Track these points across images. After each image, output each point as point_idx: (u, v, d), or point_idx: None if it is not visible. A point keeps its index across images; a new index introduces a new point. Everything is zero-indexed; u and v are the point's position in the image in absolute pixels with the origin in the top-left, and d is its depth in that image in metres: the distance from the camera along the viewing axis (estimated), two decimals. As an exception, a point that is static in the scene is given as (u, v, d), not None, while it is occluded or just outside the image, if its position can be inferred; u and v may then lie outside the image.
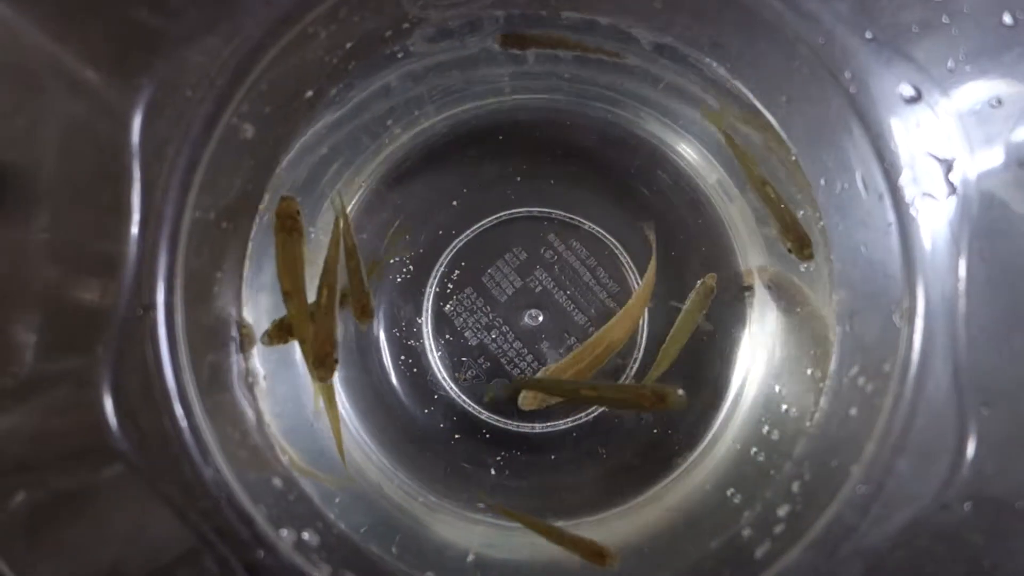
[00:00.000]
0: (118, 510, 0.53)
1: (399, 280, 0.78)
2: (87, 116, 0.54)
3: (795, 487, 0.60)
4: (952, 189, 0.54)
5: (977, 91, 0.54)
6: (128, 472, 0.51)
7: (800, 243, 0.67)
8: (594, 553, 0.65)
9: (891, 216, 0.57)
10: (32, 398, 0.53)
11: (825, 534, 0.53)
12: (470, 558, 0.68)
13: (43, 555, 0.51)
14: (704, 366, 0.77)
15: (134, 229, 0.54)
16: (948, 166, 0.54)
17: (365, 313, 0.70)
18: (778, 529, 0.57)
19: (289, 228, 0.65)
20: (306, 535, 0.56)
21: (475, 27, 0.69)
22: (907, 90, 0.55)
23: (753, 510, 0.62)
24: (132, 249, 0.54)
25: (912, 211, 0.55)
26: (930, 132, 0.55)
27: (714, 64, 0.66)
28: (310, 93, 0.65)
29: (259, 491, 0.55)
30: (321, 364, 0.64)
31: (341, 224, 0.69)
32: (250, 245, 0.64)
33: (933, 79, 0.54)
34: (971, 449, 0.51)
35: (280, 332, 0.65)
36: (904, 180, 0.56)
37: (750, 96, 0.66)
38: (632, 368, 0.77)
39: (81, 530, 0.53)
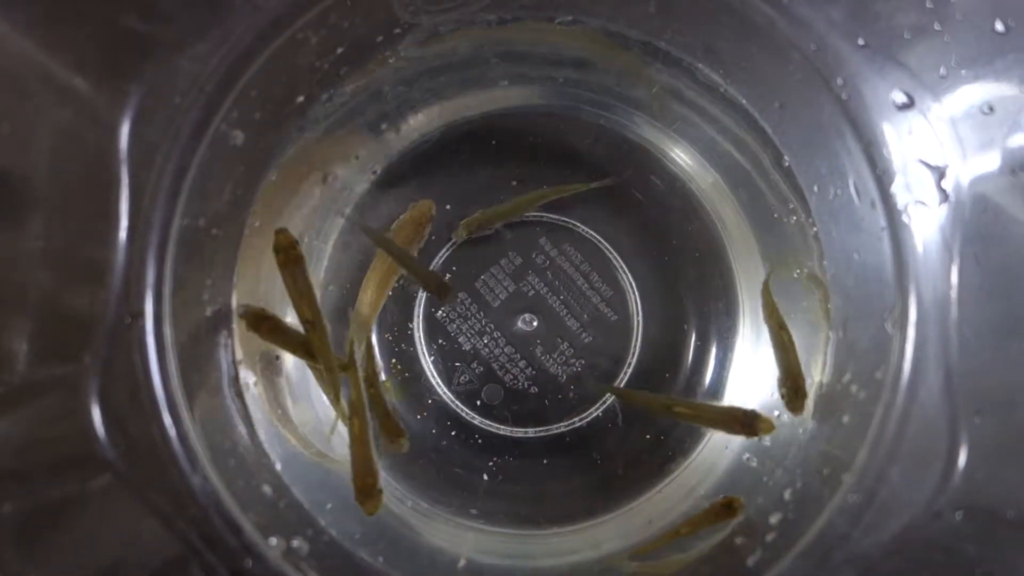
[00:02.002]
0: (106, 519, 0.53)
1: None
2: (76, 123, 0.54)
3: (787, 495, 0.60)
4: (944, 196, 0.54)
5: (969, 97, 0.54)
6: (116, 481, 0.51)
7: (796, 393, 0.65)
8: None
9: (883, 223, 0.57)
10: (21, 407, 0.52)
11: (817, 542, 0.53)
12: (461, 564, 0.67)
13: (33, 564, 0.51)
14: (698, 373, 0.77)
15: (122, 236, 0.54)
16: (940, 173, 0.54)
17: (398, 434, 0.70)
18: (770, 537, 0.57)
19: (294, 259, 0.64)
20: (296, 543, 0.56)
21: (467, 32, 0.68)
22: (899, 96, 0.55)
23: (745, 517, 0.62)
24: (120, 256, 0.54)
25: (904, 218, 0.55)
26: (922, 139, 0.55)
27: (707, 70, 0.66)
28: (301, 99, 0.65)
29: (248, 499, 0.55)
30: (367, 496, 0.63)
31: (358, 357, 0.68)
32: (240, 251, 0.63)
33: (925, 86, 0.54)
34: (963, 457, 0.51)
35: (258, 323, 0.64)
36: (896, 187, 0.55)
37: (743, 102, 0.66)
38: (626, 374, 0.77)
39: (70, 539, 0.52)
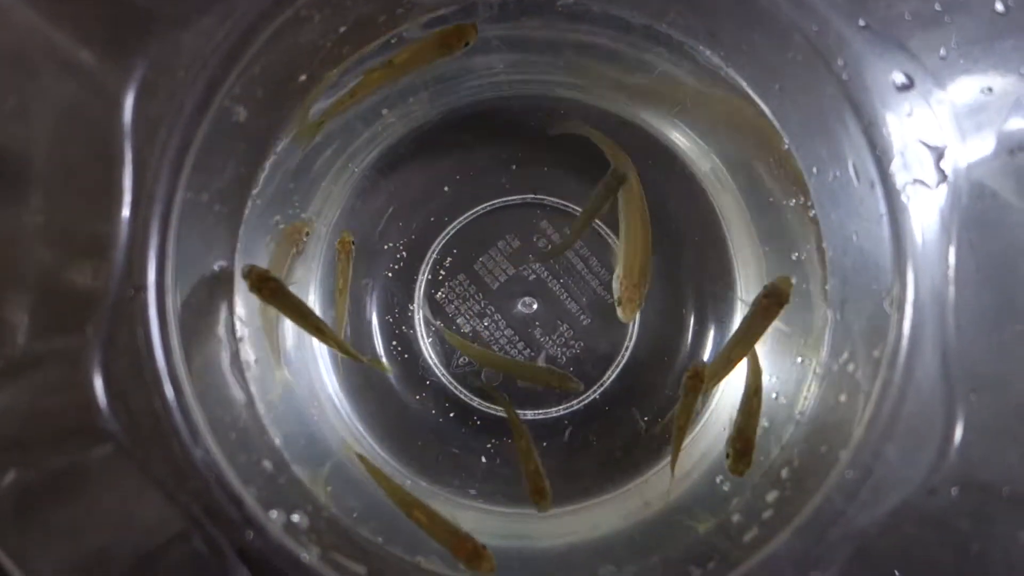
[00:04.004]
0: (108, 490, 0.53)
1: (392, 267, 0.78)
2: (79, 97, 0.54)
3: (784, 473, 0.60)
4: (943, 177, 0.54)
5: (969, 79, 0.54)
6: (118, 452, 0.51)
7: (741, 457, 0.64)
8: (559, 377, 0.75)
9: (882, 204, 0.57)
10: (23, 378, 0.53)
11: (813, 519, 0.54)
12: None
13: (34, 536, 0.51)
14: (696, 356, 0.77)
15: (125, 210, 0.54)
16: (939, 154, 0.54)
17: (542, 496, 0.70)
18: (767, 515, 0.58)
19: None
20: (296, 517, 0.56)
21: (469, 13, 0.68)
22: (899, 78, 0.55)
23: (742, 496, 0.63)
24: (123, 230, 0.54)
25: (903, 198, 0.56)
26: (922, 120, 0.55)
27: (708, 52, 0.66)
28: (303, 77, 0.65)
29: (249, 473, 0.55)
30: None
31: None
32: (242, 228, 0.64)
33: (925, 67, 0.54)
34: (959, 435, 0.51)
35: (261, 284, 0.64)
36: (895, 168, 0.56)
37: (744, 84, 0.66)
38: (623, 357, 0.77)
39: (71, 510, 0.53)
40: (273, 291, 0.64)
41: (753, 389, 0.66)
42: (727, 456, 0.65)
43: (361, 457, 0.68)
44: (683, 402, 0.67)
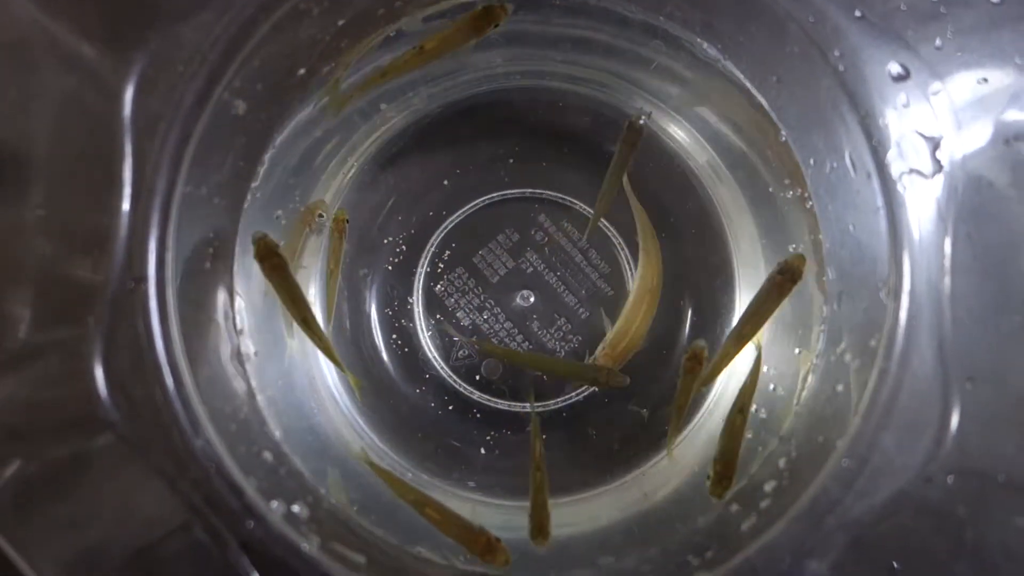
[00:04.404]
0: (109, 481, 0.54)
1: (392, 260, 0.78)
2: (80, 90, 0.54)
3: (782, 463, 0.61)
4: (939, 167, 0.55)
5: (965, 70, 0.55)
6: (119, 443, 0.51)
7: (720, 479, 0.63)
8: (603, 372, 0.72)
9: (879, 195, 0.57)
10: (24, 369, 0.53)
11: (810, 507, 0.54)
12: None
13: (36, 526, 0.51)
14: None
15: (125, 203, 0.54)
16: (935, 144, 0.55)
17: (544, 537, 0.66)
18: (764, 504, 0.58)
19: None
20: (296, 508, 0.56)
21: (468, 8, 0.69)
22: (895, 69, 0.55)
23: (740, 486, 0.63)
24: (123, 223, 0.54)
25: (899, 188, 0.56)
26: (918, 110, 0.55)
27: (705, 45, 0.66)
28: (302, 71, 0.65)
29: (249, 464, 0.55)
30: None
31: None
32: (242, 221, 0.64)
33: (921, 58, 0.55)
34: (955, 423, 0.52)
35: (265, 256, 0.64)
36: (891, 158, 0.56)
37: (741, 77, 0.66)
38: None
39: (72, 501, 0.53)
40: (275, 267, 0.64)
41: (739, 407, 0.65)
42: (708, 477, 0.64)
43: (371, 464, 0.68)
44: (682, 383, 0.68)
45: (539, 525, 0.66)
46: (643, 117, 0.73)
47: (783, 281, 0.65)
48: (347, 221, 0.75)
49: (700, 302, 0.78)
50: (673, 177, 0.78)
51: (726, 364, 0.67)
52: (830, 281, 0.65)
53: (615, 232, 0.78)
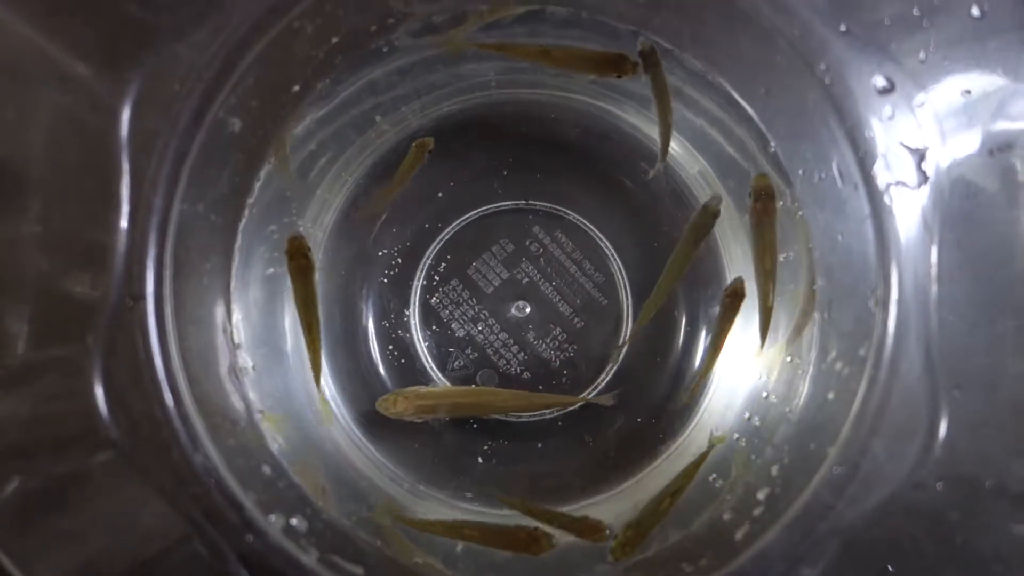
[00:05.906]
0: (109, 496, 0.54)
1: (387, 272, 0.79)
2: (76, 109, 0.55)
3: (775, 471, 0.61)
4: (924, 178, 0.56)
5: (948, 81, 0.55)
6: (118, 459, 0.52)
7: (628, 545, 0.64)
8: (588, 528, 0.66)
9: (866, 205, 0.58)
10: (23, 387, 0.53)
11: (803, 514, 0.55)
12: (459, 547, 0.69)
13: (36, 542, 0.52)
14: (688, 357, 0.78)
15: (123, 221, 0.55)
16: (920, 155, 0.56)
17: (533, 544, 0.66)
18: (758, 511, 0.59)
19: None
20: (295, 521, 0.57)
21: (460, 22, 0.70)
22: (880, 82, 0.56)
23: (734, 494, 0.63)
24: (121, 240, 0.55)
25: (886, 199, 0.57)
26: (903, 122, 0.56)
27: (693, 57, 0.67)
28: (297, 88, 0.66)
29: (248, 478, 0.56)
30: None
31: None
32: (239, 237, 0.65)
33: (905, 70, 0.56)
34: (943, 430, 0.53)
35: (293, 253, 0.67)
36: (878, 169, 0.57)
37: (729, 88, 0.67)
38: (617, 359, 0.78)
39: (73, 517, 0.53)
40: (300, 268, 0.67)
41: (673, 490, 0.66)
42: (615, 537, 0.65)
43: (399, 517, 0.67)
44: (722, 318, 0.71)
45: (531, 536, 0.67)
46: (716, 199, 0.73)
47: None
48: (430, 152, 0.76)
49: (694, 311, 0.79)
50: (666, 186, 0.79)
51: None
52: (820, 289, 0.65)
53: (608, 243, 0.79)
